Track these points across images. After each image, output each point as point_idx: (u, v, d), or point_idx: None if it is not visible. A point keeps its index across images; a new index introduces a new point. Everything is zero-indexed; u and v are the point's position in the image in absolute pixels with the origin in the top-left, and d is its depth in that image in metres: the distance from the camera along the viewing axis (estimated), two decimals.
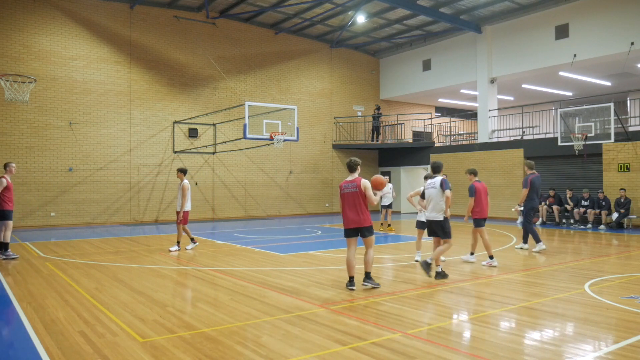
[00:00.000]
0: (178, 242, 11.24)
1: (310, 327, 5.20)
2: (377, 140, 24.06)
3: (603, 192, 16.37)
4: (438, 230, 7.94)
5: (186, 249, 11.18)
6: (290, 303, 6.26)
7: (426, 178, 8.59)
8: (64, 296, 6.72)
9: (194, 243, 11.45)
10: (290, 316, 5.66)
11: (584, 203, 16.71)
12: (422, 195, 8.36)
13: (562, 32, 18.42)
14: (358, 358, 4.31)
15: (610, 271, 8.46)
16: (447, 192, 7.72)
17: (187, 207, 11.08)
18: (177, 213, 11.11)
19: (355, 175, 7.08)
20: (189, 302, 6.37)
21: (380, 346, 4.61)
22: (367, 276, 7.07)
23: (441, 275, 7.71)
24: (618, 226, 15.80)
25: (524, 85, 23.57)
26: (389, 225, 15.64)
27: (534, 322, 5.45)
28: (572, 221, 16.93)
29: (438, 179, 7.93)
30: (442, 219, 7.85)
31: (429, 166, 22.76)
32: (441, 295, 6.74)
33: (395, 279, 7.87)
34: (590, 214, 16.42)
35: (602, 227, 16.06)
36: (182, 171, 11.20)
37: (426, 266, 7.67)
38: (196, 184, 19.94)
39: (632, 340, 4.75)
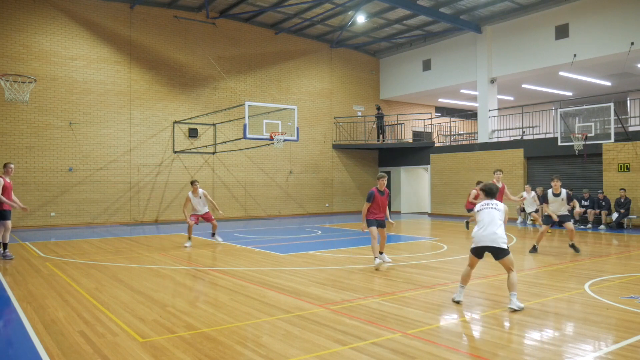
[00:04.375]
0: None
1: (310, 327, 5.20)
2: (384, 140, 24.00)
3: (603, 192, 16.37)
4: (569, 218, 10.95)
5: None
6: (290, 303, 6.26)
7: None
8: (64, 296, 6.72)
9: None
10: (290, 316, 5.66)
11: (584, 203, 16.70)
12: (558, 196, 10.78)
13: (562, 32, 18.42)
14: (358, 358, 4.31)
15: (610, 271, 8.46)
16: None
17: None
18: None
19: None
20: (189, 302, 6.37)
21: (380, 346, 4.61)
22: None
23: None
24: (618, 226, 15.80)
25: (524, 85, 23.56)
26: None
27: (534, 322, 5.45)
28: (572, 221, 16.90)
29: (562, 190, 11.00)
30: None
31: (428, 166, 22.78)
32: (441, 295, 6.74)
33: (395, 279, 7.88)
34: (590, 214, 16.42)
35: (602, 227, 16.07)
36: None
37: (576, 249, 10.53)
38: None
39: (632, 340, 4.75)
